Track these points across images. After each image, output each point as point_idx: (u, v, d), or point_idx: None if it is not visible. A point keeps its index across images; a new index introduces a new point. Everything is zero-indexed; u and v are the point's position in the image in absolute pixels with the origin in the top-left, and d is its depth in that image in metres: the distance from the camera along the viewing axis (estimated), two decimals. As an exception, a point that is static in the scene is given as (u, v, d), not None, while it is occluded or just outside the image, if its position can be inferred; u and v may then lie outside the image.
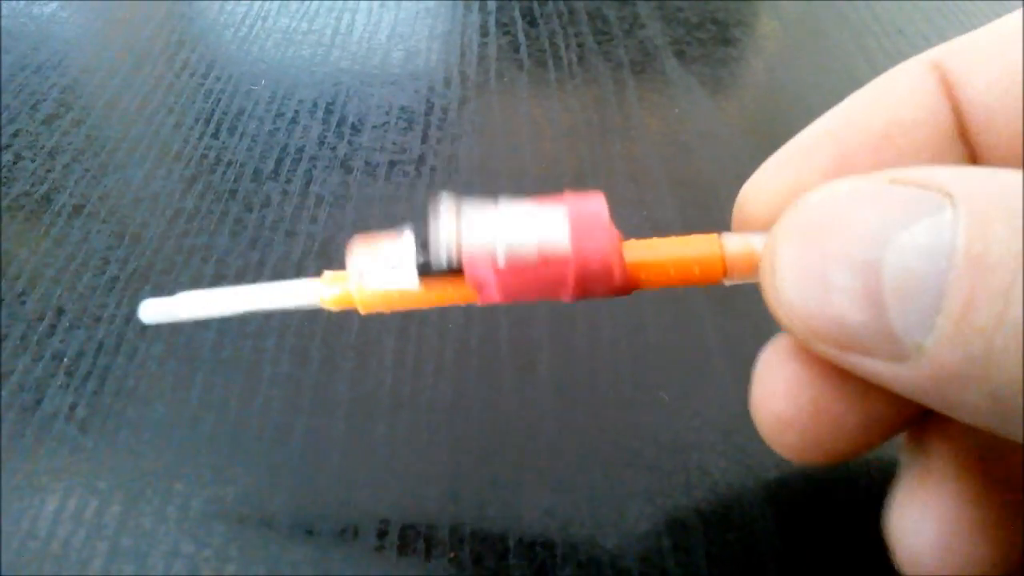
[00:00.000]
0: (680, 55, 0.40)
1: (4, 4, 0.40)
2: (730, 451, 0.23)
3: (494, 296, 0.16)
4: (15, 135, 0.32)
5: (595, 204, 0.15)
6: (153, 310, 0.18)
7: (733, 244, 0.15)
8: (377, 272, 0.16)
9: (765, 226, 0.15)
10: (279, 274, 0.27)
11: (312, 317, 0.26)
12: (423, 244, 0.15)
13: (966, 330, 0.11)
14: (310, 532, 0.21)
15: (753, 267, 0.15)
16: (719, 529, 0.21)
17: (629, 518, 0.21)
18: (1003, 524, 0.16)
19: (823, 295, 0.13)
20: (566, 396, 0.24)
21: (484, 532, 0.21)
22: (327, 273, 0.17)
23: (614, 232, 0.15)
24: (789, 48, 0.41)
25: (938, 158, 0.16)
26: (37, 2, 0.41)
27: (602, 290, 0.16)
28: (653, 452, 0.23)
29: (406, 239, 0.16)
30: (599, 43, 0.40)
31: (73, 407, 0.23)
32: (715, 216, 0.30)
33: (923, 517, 0.17)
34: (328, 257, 0.28)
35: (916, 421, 0.17)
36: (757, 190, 0.17)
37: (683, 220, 0.30)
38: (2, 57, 0.37)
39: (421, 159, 0.32)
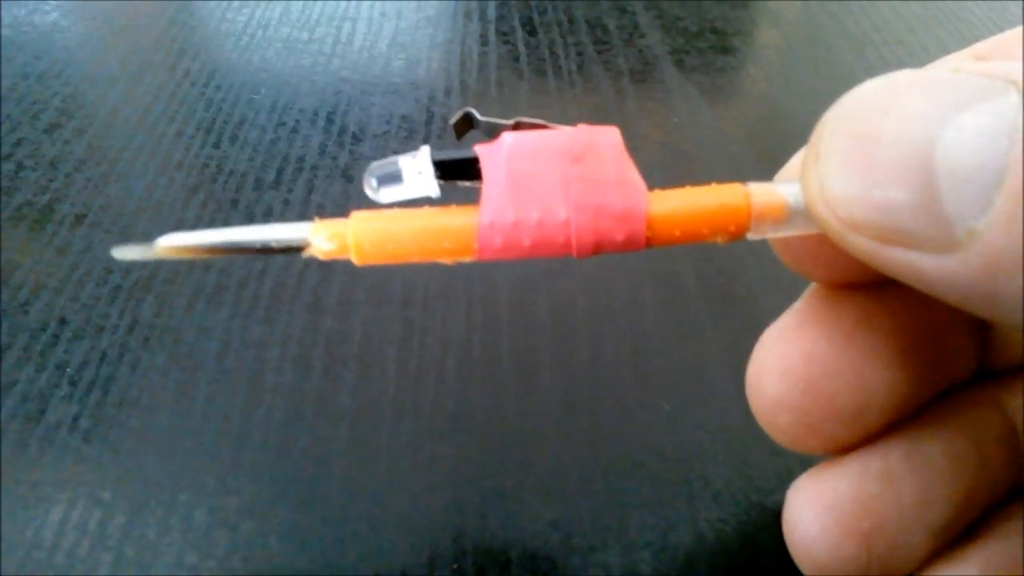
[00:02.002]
0: (679, 64, 0.40)
1: (6, 13, 0.40)
2: (732, 461, 0.23)
3: (500, 182, 0.15)
4: (17, 144, 0.32)
5: (608, 127, 0.15)
6: (129, 250, 0.16)
7: (759, 192, 0.15)
8: (394, 187, 0.15)
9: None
10: (281, 284, 0.27)
11: (314, 327, 0.26)
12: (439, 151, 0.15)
13: None
14: (312, 542, 0.21)
15: (780, 217, 0.15)
16: (721, 540, 0.21)
17: (631, 529, 0.21)
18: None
19: (870, 178, 0.12)
20: (568, 406, 0.24)
21: (486, 543, 0.21)
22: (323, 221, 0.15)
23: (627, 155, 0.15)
24: (788, 57, 0.41)
25: None
26: (39, 11, 0.41)
27: (611, 176, 0.15)
28: (655, 462, 0.23)
29: (423, 149, 0.15)
30: (599, 52, 0.40)
31: (77, 417, 0.23)
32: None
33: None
34: (330, 266, 0.28)
35: (910, 413, 0.17)
36: (793, 173, 0.16)
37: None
38: (4, 66, 0.37)
39: (422, 168, 0.32)
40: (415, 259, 0.15)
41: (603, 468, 0.22)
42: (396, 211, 0.15)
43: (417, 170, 0.15)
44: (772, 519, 0.21)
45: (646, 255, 0.28)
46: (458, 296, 0.27)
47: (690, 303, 0.27)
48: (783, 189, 0.15)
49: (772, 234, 0.15)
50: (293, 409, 0.23)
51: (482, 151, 0.15)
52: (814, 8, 0.45)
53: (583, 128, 0.15)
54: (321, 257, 0.15)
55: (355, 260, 0.15)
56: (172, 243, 0.15)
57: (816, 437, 0.16)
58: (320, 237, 0.15)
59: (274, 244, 0.15)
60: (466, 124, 0.16)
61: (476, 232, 0.15)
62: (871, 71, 0.39)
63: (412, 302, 0.27)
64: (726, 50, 0.41)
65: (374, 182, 0.16)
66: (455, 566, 0.20)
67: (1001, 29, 0.17)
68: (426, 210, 0.15)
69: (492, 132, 0.16)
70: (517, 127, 0.15)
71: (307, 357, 0.25)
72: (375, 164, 0.16)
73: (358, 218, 0.15)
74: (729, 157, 0.34)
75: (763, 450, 0.23)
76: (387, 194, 0.16)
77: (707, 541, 0.21)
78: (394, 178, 0.15)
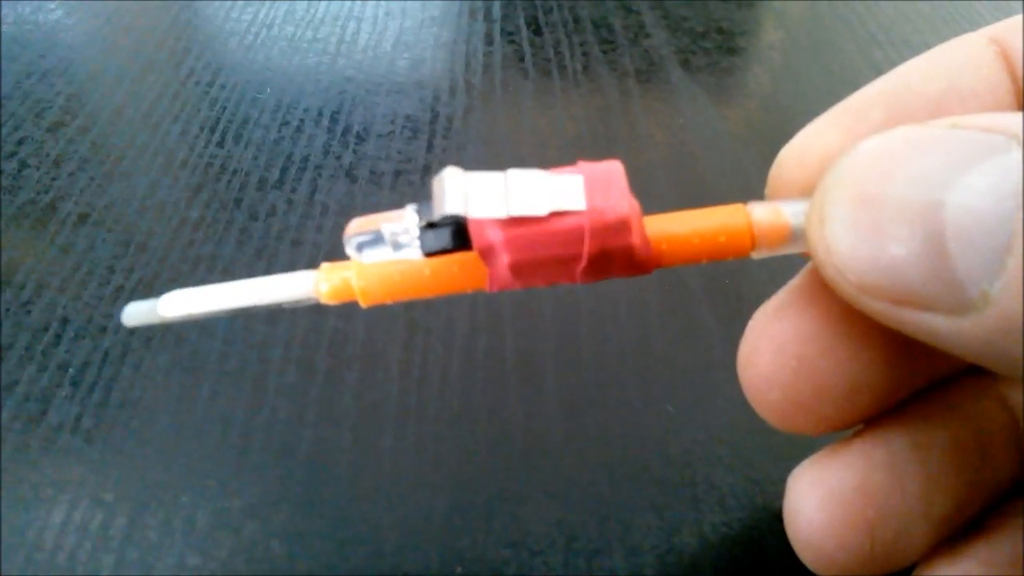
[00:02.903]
0: (685, 64, 0.40)
1: (10, 11, 0.40)
2: (737, 464, 0.23)
3: (502, 265, 0.14)
4: (20, 142, 0.32)
5: (611, 167, 0.15)
6: (136, 313, 0.16)
7: (761, 213, 0.14)
8: (377, 249, 0.15)
9: (805, 190, 0.14)
10: (285, 284, 0.27)
11: (318, 328, 0.26)
12: (426, 214, 0.14)
13: None
14: (316, 544, 0.20)
15: (784, 237, 0.14)
16: (726, 544, 0.21)
17: (635, 532, 0.21)
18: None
19: (878, 243, 0.12)
20: (572, 408, 0.24)
21: (490, 546, 0.21)
22: (324, 264, 0.15)
23: (632, 197, 0.14)
24: (794, 58, 0.41)
25: None
26: (43, 9, 0.41)
27: (621, 259, 0.14)
28: (660, 465, 0.22)
29: (408, 212, 0.14)
30: (604, 52, 0.40)
31: (79, 418, 0.23)
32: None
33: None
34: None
35: (904, 399, 0.16)
36: (799, 151, 0.16)
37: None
38: (8, 64, 0.37)
39: (426, 168, 0.32)
40: (422, 297, 0.15)
41: (607, 471, 0.22)
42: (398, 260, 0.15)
43: (402, 236, 0.14)
44: (777, 523, 0.21)
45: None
46: (462, 297, 0.27)
47: (695, 305, 0.27)
48: (787, 209, 0.14)
49: (776, 253, 0.15)
50: (296, 410, 0.23)
51: (479, 246, 0.14)
52: (820, 8, 0.45)
53: (588, 215, 0.14)
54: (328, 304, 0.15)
55: (361, 304, 0.15)
56: (182, 310, 0.15)
57: (806, 416, 0.16)
58: (325, 293, 0.15)
59: (285, 305, 0.15)
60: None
61: (486, 284, 0.15)
62: (877, 71, 0.39)
63: (415, 303, 0.27)
64: (732, 51, 0.41)
65: (355, 246, 0.15)
66: (459, 569, 0.20)
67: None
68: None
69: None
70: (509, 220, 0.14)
71: (310, 358, 0.25)
72: (355, 224, 0.15)
73: (360, 269, 0.15)
74: (735, 158, 0.34)
75: (768, 453, 0.23)
76: (370, 256, 0.15)
77: (712, 545, 0.21)
78: (376, 243, 0.15)
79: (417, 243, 0.14)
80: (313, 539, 0.21)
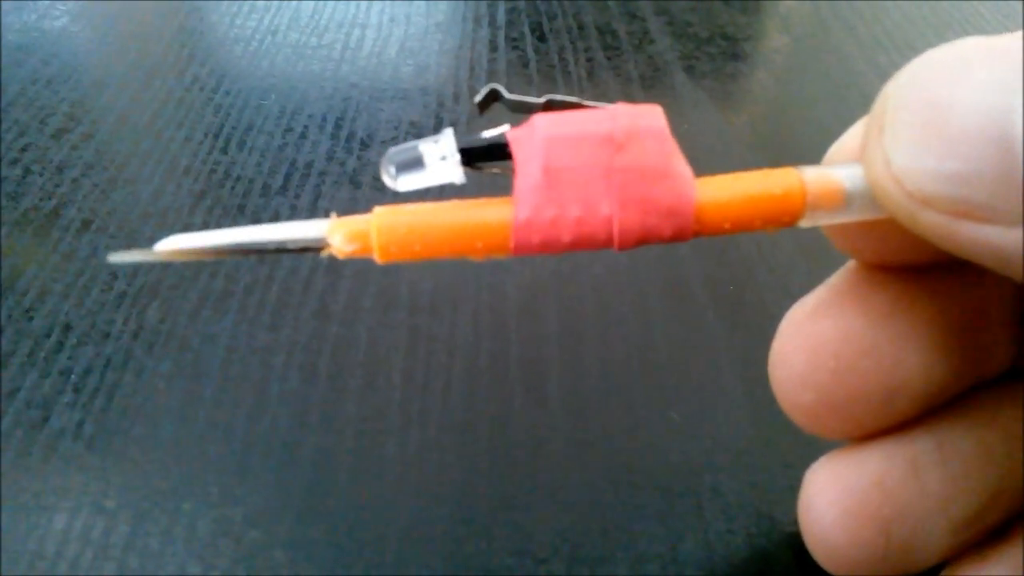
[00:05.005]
0: (689, 70, 0.39)
1: (15, 18, 0.40)
2: (742, 472, 0.22)
3: (538, 197, 0.14)
4: (24, 149, 0.32)
5: (650, 109, 0.14)
6: (128, 255, 0.14)
7: (814, 176, 0.14)
8: (415, 174, 0.14)
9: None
10: (288, 290, 0.27)
11: (320, 334, 0.25)
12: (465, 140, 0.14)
13: None
14: (318, 553, 0.20)
15: (836, 202, 0.14)
16: (731, 552, 0.21)
17: (640, 540, 0.21)
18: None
19: (943, 149, 0.11)
20: (576, 415, 0.24)
21: (494, 555, 0.21)
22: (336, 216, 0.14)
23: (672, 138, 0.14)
24: (799, 63, 0.41)
25: None
26: (48, 16, 0.41)
27: (661, 206, 0.14)
28: (664, 473, 0.22)
29: (445, 134, 0.14)
30: (608, 58, 0.40)
31: (80, 424, 0.23)
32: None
33: None
34: (337, 272, 0.27)
35: (940, 404, 0.16)
36: (848, 149, 0.15)
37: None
38: (13, 71, 0.37)
39: (430, 174, 0.32)
40: (442, 257, 0.14)
41: (612, 479, 0.22)
42: (421, 206, 0.14)
43: (440, 155, 0.14)
44: (782, 531, 0.21)
45: (655, 263, 0.28)
46: (465, 303, 0.27)
47: (700, 312, 0.27)
48: (839, 172, 0.14)
49: (826, 221, 0.14)
50: (298, 417, 0.23)
51: (514, 137, 0.14)
52: (824, 12, 0.45)
53: (623, 110, 0.14)
54: (340, 256, 0.14)
55: (377, 259, 0.14)
56: (179, 246, 0.14)
57: (840, 420, 0.16)
58: (339, 237, 0.14)
59: (290, 246, 0.14)
60: (492, 100, 0.15)
61: (512, 230, 0.14)
62: (882, 75, 0.39)
63: (419, 309, 0.27)
64: (736, 56, 0.41)
65: (393, 169, 0.14)
66: (461, 578, 0.20)
67: (1009, 30, 0.16)
68: (454, 204, 0.14)
69: (519, 110, 0.15)
70: (548, 106, 0.14)
71: (313, 365, 0.25)
72: (394, 149, 0.14)
73: (380, 214, 0.14)
74: (740, 163, 0.33)
75: (774, 461, 0.22)
76: (407, 182, 0.14)
77: (716, 553, 0.21)
78: (415, 165, 0.14)
79: (456, 158, 0.14)
80: (315, 548, 0.20)
